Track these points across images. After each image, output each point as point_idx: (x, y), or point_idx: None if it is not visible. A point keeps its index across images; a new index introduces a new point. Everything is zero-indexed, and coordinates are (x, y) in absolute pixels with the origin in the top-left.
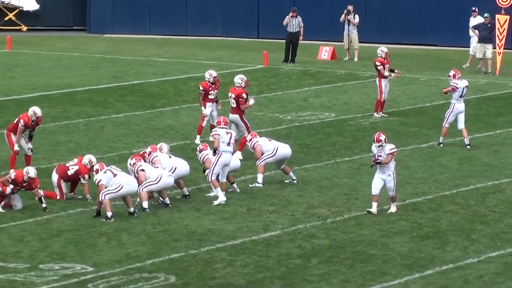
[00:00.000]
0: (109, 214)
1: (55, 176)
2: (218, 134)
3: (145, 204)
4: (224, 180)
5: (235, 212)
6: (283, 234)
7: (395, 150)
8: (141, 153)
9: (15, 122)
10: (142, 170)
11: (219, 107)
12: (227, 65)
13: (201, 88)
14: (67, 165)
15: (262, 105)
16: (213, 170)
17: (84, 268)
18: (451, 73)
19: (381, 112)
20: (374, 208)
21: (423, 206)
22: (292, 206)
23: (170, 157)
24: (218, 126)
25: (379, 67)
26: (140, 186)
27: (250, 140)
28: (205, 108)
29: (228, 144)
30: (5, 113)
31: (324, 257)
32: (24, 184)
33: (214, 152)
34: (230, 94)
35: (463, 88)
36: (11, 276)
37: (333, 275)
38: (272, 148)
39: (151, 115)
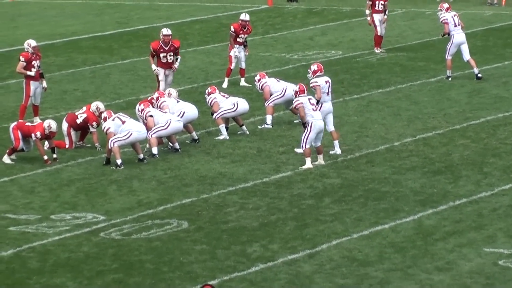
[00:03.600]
0: (119, 161)
1: (64, 125)
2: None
3: (155, 150)
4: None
5: (245, 155)
6: (294, 174)
7: (298, 103)
8: (149, 98)
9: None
10: (151, 116)
11: (247, 52)
12: (231, 7)
13: (232, 29)
14: (76, 113)
15: (268, 46)
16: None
17: (95, 217)
18: (445, 5)
19: (379, 49)
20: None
21: (434, 141)
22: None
23: (178, 101)
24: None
25: (368, 2)
26: (149, 132)
27: (259, 80)
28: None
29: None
30: (10, 63)
31: (337, 196)
32: (45, 135)
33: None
34: None
35: (452, 17)
36: (22, 228)
37: (346, 214)
38: (280, 88)
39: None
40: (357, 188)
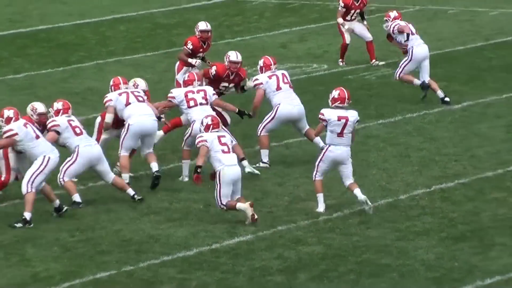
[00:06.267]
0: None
1: None
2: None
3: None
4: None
5: (187, 210)
6: (257, 239)
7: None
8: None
9: None
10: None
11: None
12: (171, 1)
13: (190, 45)
14: None
15: (223, 55)
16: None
17: None
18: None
19: (340, 60)
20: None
21: (456, 194)
22: (269, 199)
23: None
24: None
25: (339, 8)
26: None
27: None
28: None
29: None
30: None
31: (316, 271)
32: None
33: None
34: None
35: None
36: None
37: None
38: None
39: (64, 74)
40: (346, 260)
